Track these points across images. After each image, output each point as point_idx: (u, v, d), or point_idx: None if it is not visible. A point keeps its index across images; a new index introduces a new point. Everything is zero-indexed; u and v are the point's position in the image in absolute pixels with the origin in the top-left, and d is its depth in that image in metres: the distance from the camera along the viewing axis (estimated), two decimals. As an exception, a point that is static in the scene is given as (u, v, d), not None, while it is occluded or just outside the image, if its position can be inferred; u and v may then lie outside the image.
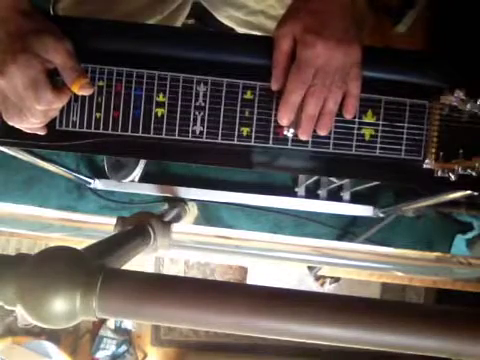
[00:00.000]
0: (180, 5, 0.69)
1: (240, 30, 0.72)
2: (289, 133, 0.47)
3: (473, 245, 1.03)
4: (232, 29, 0.74)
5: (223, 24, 0.74)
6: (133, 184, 1.05)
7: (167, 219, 0.69)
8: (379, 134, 0.49)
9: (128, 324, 1.73)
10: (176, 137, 0.50)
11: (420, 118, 0.49)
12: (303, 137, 0.46)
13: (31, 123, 0.45)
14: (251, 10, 0.67)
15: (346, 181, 1.02)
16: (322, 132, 0.45)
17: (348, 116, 0.46)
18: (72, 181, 1.06)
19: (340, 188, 1.04)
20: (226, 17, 0.71)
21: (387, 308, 0.29)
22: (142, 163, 1.04)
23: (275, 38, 0.44)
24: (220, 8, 0.70)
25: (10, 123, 0.45)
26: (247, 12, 0.68)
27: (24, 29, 0.43)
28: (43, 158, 0.80)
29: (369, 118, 0.49)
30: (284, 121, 0.45)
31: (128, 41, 0.49)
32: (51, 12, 0.61)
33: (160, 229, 0.56)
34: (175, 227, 0.60)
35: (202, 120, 0.49)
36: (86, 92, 0.46)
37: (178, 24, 0.72)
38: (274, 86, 0.46)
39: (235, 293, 0.29)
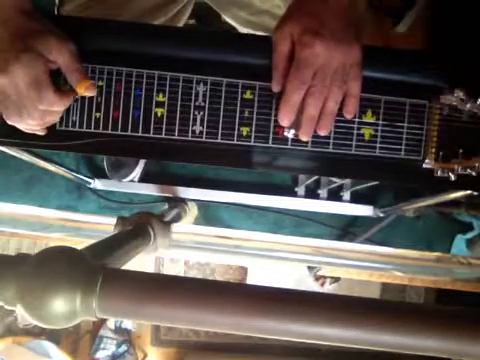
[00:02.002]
0: (183, 6, 0.69)
1: (243, 30, 0.72)
2: (290, 134, 0.47)
3: (473, 245, 1.03)
4: (233, 29, 0.74)
5: (223, 24, 0.74)
6: (133, 184, 1.05)
7: (167, 219, 0.69)
8: (379, 134, 0.49)
9: (128, 324, 1.73)
10: (176, 137, 0.50)
11: (420, 118, 0.49)
12: (304, 138, 0.46)
13: (29, 124, 0.46)
14: (256, 10, 0.67)
15: (346, 181, 1.02)
16: (322, 132, 0.45)
17: (348, 116, 0.46)
18: (72, 181, 1.06)
19: (340, 188, 1.04)
20: (230, 16, 0.71)
21: (387, 308, 0.29)
22: (142, 162, 1.04)
23: (274, 40, 0.44)
24: (225, 7, 0.70)
25: (9, 122, 0.46)
26: (252, 12, 0.68)
27: (27, 29, 0.43)
28: (43, 158, 0.80)
29: (369, 118, 0.49)
30: (285, 122, 0.45)
31: (128, 41, 0.49)
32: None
33: (160, 229, 0.56)
34: (175, 227, 0.60)
35: (202, 120, 0.49)
36: (90, 93, 0.46)
37: (180, 24, 0.72)
38: (275, 88, 0.46)
39: (235, 293, 0.29)
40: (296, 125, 0.46)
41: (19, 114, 0.44)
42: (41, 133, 0.49)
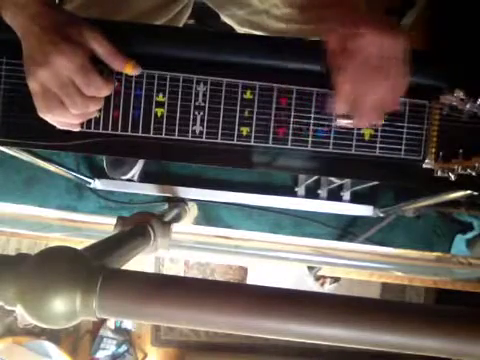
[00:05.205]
0: (184, 7, 0.69)
1: (241, 29, 0.72)
2: (343, 123, 0.48)
3: (473, 245, 1.03)
4: (232, 29, 0.74)
5: (222, 24, 0.74)
6: (133, 184, 1.05)
7: (167, 219, 0.69)
8: (379, 134, 0.49)
9: (128, 324, 1.73)
10: (176, 137, 0.50)
11: (420, 118, 0.49)
12: (360, 126, 0.48)
13: (70, 116, 0.45)
14: (255, 9, 0.67)
15: (346, 181, 1.02)
16: (377, 121, 0.47)
17: (394, 107, 0.47)
18: (72, 181, 1.06)
19: (340, 188, 1.04)
20: (229, 16, 0.71)
21: (387, 308, 0.29)
22: (141, 160, 1.04)
23: (326, 40, 0.44)
24: (224, 6, 0.70)
25: (47, 118, 0.45)
26: (250, 11, 0.68)
27: (58, 21, 0.43)
28: (43, 158, 0.80)
29: (369, 118, 0.49)
30: (341, 111, 0.46)
31: (127, 41, 0.49)
32: None
33: (160, 229, 0.56)
34: (175, 227, 0.60)
35: (202, 120, 0.49)
36: (137, 71, 0.47)
37: (180, 25, 0.72)
38: (343, 87, 0.45)
39: (235, 293, 0.29)
40: (350, 114, 0.46)
41: (61, 106, 0.43)
42: (76, 129, 0.48)
